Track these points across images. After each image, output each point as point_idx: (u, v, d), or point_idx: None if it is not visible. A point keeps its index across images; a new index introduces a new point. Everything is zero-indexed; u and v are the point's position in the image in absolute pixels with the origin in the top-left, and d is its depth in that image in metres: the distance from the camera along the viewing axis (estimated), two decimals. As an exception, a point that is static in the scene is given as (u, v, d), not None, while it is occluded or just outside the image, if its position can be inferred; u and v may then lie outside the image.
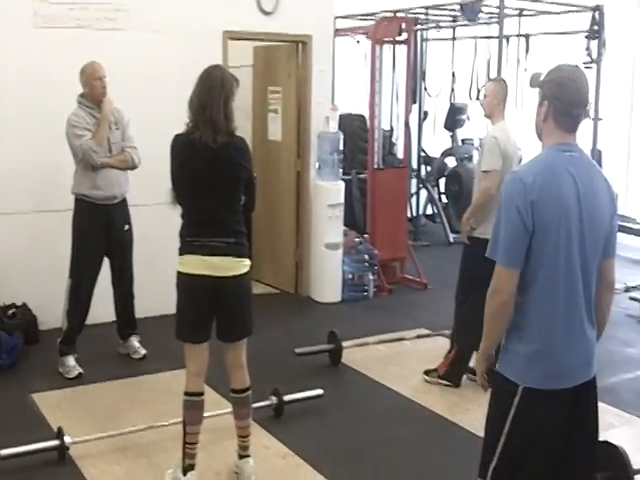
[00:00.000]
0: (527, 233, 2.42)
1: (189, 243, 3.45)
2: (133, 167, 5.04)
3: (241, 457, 3.67)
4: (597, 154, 8.44)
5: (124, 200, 5.07)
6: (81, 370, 4.92)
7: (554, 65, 2.56)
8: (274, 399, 4.36)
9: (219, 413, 4.05)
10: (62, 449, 3.82)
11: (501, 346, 2.60)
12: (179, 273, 3.48)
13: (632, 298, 6.85)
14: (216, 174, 3.42)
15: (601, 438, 3.56)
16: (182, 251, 3.47)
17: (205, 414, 3.60)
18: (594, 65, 7.80)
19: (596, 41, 7.97)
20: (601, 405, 4.46)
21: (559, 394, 2.50)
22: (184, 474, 3.52)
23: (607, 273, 2.61)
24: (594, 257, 2.52)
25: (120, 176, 4.99)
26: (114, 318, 5.30)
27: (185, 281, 3.46)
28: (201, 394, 3.54)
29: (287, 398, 4.39)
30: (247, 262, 3.51)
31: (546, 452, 2.53)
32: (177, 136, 3.47)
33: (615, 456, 3.49)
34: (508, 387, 2.51)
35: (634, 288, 7.14)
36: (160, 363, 5.06)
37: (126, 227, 5.10)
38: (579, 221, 2.45)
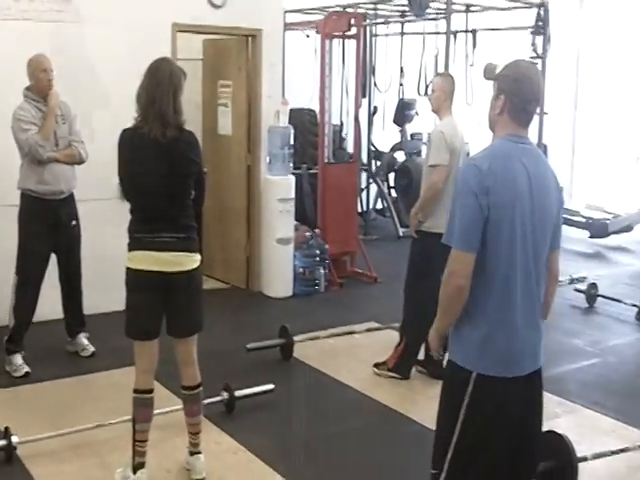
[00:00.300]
0: (483, 218, 2.45)
1: (138, 239, 3.42)
2: (80, 162, 4.97)
3: (192, 454, 3.67)
4: (543, 148, 8.61)
5: (71, 195, 5.00)
6: (28, 369, 4.84)
7: (510, 60, 2.61)
8: (225, 395, 4.36)
9: (169, 410, 4.03)
10: (9, 449, 3.76)
11: (452, 334, 2.63)
12: (128, 269, 3.44)
13: (577, 290, 7.01)
14: (165, 169, 3.38)
15: (546, 427, 3.67)
16: (131, 247, 3.44)
17: (155, 411, 3.58)
18: (539, 60, 7.95)
19: (541, 37, 8.13)
20: (546, 395, 4.56)
21: (511, 382, 2.55)
22: (134, 472, 3.50)
23: (552, 265, 2.68)
24: (544, 248, 2.59)
25: (67, 171, 4.92)
26: (62, 315, 5.22)
27: (135, 277, 3.43)
28: (151, 391, 3.51)
29: (238, 393, 4.39)
30: (198, 257, 3.50)
31: (502, 440, 2.57)
32: (125, 131, 3.43)
33: (560, 445, 3.58)
34: (461, 374, 2.55)
35: (579, 280, 7.31)
36: (109, 360, 5.01)
37: (73, 223, 5.03)
38: (531, 212, 2.51)
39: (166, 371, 3.78)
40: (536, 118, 7.89)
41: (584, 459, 3.71)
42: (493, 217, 2.45)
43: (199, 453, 3.66)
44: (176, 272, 3.41)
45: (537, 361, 2.63)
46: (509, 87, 2.54)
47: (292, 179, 6.96)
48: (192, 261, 3.46)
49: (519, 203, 2.48)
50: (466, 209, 2.47)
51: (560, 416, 4.48)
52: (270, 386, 4.57)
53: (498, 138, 2.59)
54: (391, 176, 10.23)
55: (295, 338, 5.33)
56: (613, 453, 3.94)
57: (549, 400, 4.52)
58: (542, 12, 8.07)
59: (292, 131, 6.94)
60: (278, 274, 6.86)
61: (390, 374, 5.01)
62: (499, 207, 2.45)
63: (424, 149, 9.48)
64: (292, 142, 6.95)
